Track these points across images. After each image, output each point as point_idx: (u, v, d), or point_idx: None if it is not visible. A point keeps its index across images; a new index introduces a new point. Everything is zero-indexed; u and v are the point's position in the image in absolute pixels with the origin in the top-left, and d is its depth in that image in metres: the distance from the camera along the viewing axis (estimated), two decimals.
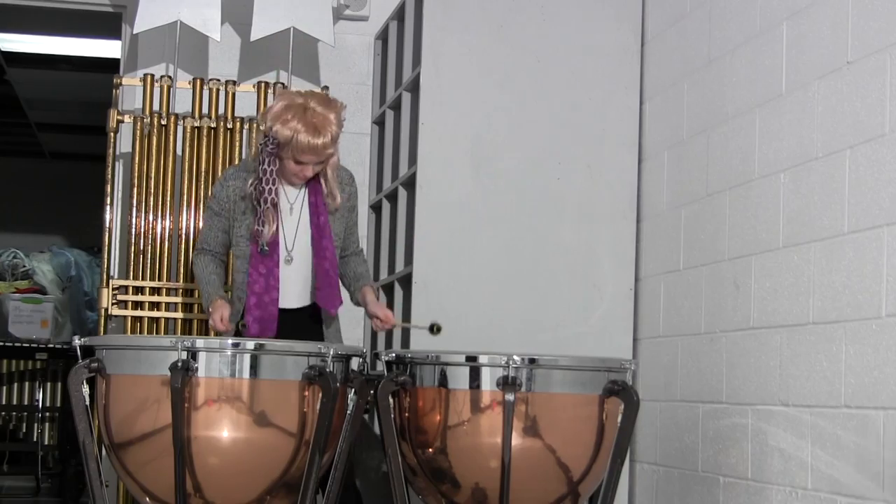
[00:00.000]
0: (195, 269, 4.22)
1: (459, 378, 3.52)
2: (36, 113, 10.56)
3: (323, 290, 4.10)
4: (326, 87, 5.42)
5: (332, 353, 3.42)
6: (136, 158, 5.13)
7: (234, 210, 4.11)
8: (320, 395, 3.37)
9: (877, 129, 3.51)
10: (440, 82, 4.95)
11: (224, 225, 4.15)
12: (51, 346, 8.11)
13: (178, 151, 5.19)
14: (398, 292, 5.13)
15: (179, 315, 5.07)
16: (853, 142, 3.61)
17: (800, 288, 3.84)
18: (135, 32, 5.41)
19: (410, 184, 5.02)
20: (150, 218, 5.10)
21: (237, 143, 5.18)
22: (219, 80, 5.33)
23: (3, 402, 8.13)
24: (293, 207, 4.13)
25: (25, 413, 8.19)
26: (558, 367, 3.52)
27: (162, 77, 5.27)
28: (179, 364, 3.28)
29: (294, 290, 4.12)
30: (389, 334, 5.21)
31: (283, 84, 5.33)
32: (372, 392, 3.60)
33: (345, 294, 4.26)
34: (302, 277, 4.12)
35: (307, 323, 4.13)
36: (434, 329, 4.11)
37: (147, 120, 5.15)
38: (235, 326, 4.11)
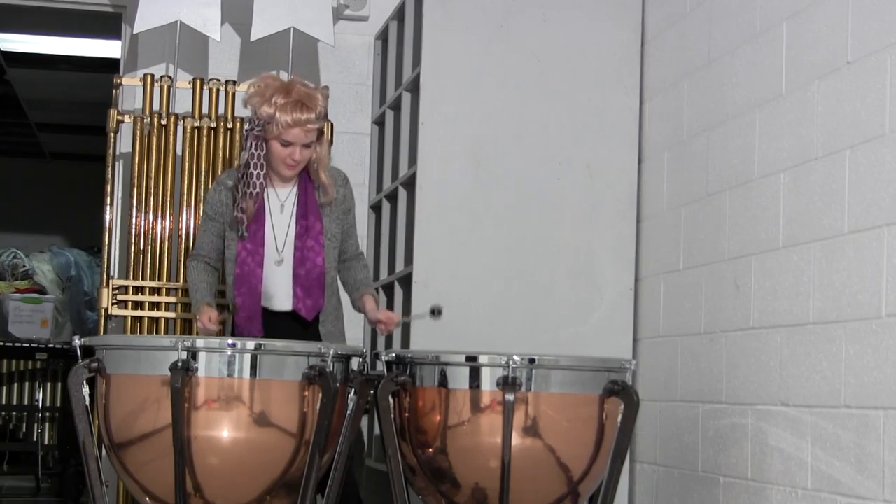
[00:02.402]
0: (188, 276, 4.25)
1: (459, 378, 3.52)
2: (36, 113, 10.56)
3: (300, 293, 4.06)
4: (326, 87, 5.42)
5: (332, 353, 3.42)
6: (136, 158, 5.13)
7: (227, 213, 4.12)
8: (320, 395, 3.37)
9: (877, 129, 3.51)
10: (440, 82, 4.95)
11: (218, 230, 4.15)
12: (51, 346, 8.11)
13: (178, 151, 5.19)
14: (398, 292, 5.13)
15: (179, 315, 5.07)
16: (853, 142, 3.61)
17: (800, 288, 3.84)
18: (135, 32, 5.41)
19: (410, 184, 5.02)
20: (150, 218, 5.09)
21: (237, 143, 5.17)
22: (219, 80, 5.33)
23: (3, 402, 8.13)
24: (284, 206, 4.12)
25: (25, 413, 8.20)
26: (558, 367, 3.52)
27: (162, 77, 5.27)
28: (179, 364, 3.28)
29: (284, 293, 4.09)
30: (390, 332, 5.21)
31: None
32: (372, 392, 3.60)
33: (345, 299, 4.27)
34: (288, 279, 4.09)
35: (294, 326, 4.08)
36: (435, 312, 4.10)
37: (147, 120, 5.15)
38: (225, 324, 4.13)
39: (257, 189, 4.05)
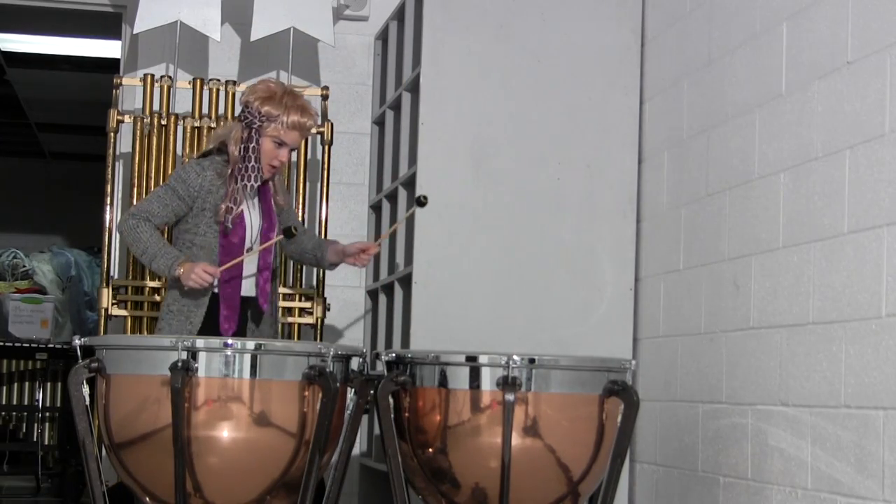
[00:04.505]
0: (140, 233, 4.04)
1: (459, 378, 3.52)
2: (36, 113, 10.57)
3: (261, 282, 4.19)
4: (326, 87, 5.42)
5: (332, 353, 3.42)
6: (136, 158, 5.14)
7: (205, 200, 4.10)
8: (320, 395, 3.37)
9: (877, 129, 3.51)
10: (440, 82, 4.95)
11: (179, 210, 4.11)
12: (51, 346, 8.11)
13: (178, 151, 5.19)
14: (398, 292, 5.13)
15: None
16: (853, 142, 3.61)
17: (800, 288, 3.84)
18: (135, 32, 5.41)
19: (410, 184, 5.02)
20: None
21: None
22: (219, 80, 5.33)
23: (3, 402, 8.13)
24: (254, 202, 4.21)
25: (25, 413, 8.19)
26: (558, 367, 3.52)
27: (162, 77, 5.27)
28: (179, 364, 3.28)
29: (249, 281, 4.20)
30: (390, 332, 5.21)
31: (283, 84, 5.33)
32: (372, 392, 3.60)
33: None
34: (254, 268, 4.21)
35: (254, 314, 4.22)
36: (421, 200, 4.28)
37: (147, 120, 5.15)
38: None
39: (258, 181, 4.11)
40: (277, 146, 4.11)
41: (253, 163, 4.09)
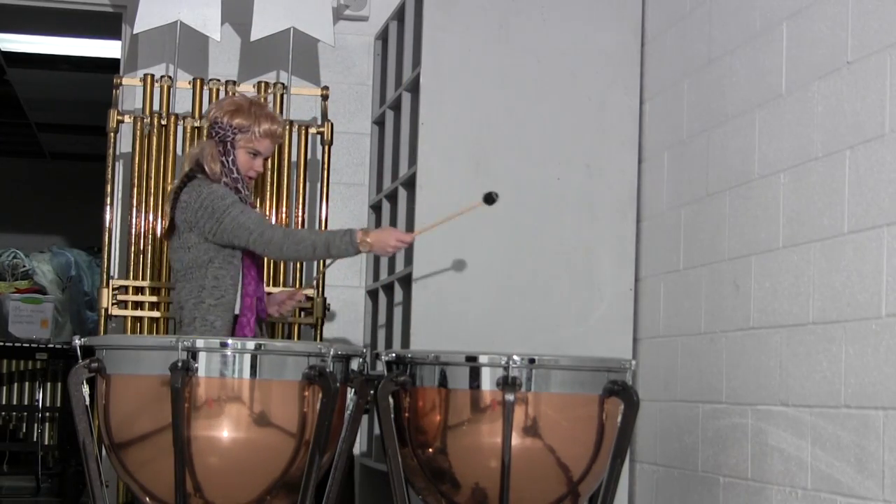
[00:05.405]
0: (293, 236, 4.04)
1: (459, 378, 3.52)
2: (36, 113, 10.57)
3: (263, 297, 4.25)
4: (326, 87, 5.42)
5: (332, 353, 3.42)
6: (136, 158, 5.13)
7: None
8: (320, 395, 3.37)
9: (877, 129, 3.51)
10: (440, 82, 4.95)
11: None
12: (51, 346, 8.12)
13: (178, 151, 5.19)
14: (398, 292, 5.13)
15: None
16: (853, 142, 3.61)
17: (800, 288, 3.84)
18: (135, 32, 5.41)
19: (410, 184, 5.02)
20: (150, 218, 5.09)
21: None
22: (219, 80, 5.33)
23: (3, 402, 8.14)
24: None
25: (25, 413, 8.20)
26: (558, 367, 3.52)
27: (162, 77, 5.27)
28: (179, 364, 3.28)
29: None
30: (390, 332, 5.21)
31: (283, 84, 5.34)
32: (372, 392, 3.60)
33: None
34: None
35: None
36: (492, 197, 4.26)
37: (147, 120, 5.15)
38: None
39: (245, 190, 4.16)
40: (252, 157, 4.16)
41: (235, 174, 4.12)
